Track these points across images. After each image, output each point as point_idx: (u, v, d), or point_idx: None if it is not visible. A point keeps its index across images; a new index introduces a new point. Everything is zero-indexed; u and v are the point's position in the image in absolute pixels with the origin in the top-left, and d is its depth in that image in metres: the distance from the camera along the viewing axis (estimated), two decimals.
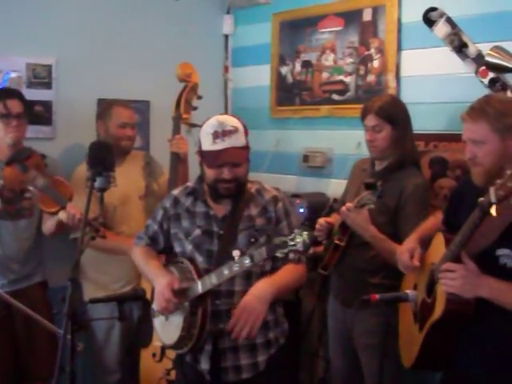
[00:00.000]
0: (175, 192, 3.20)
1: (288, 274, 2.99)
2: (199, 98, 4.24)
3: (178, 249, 3.11)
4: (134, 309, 4.19)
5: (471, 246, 2.57)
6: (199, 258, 2.99)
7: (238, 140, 2.91)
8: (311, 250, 3.75)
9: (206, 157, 2.95)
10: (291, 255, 2.71)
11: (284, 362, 3.15)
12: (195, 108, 4.21)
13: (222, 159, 2.88)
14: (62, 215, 3.73)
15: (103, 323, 4.14)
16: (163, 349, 3.91)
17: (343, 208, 3.42)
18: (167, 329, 3.06)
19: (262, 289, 2.87)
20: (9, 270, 3.92)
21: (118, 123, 4.18)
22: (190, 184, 3.17)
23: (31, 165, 3.83)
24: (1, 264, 3.91)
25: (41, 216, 4.02)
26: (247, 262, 2.73)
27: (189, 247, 3.04)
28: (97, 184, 2.89)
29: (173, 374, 3.77)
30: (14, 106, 3.82)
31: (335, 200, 4.19)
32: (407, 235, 3.29)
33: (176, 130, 4.17)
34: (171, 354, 3.73)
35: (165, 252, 3.25)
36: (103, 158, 2.96)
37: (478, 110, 2.67)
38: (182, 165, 4.11)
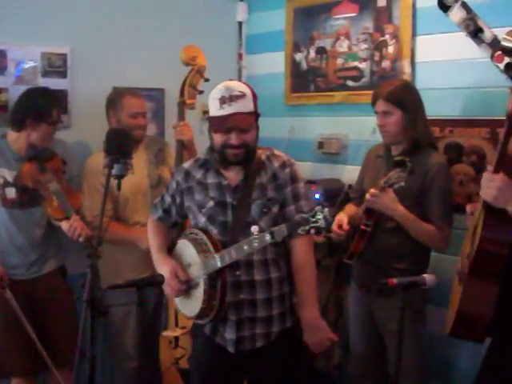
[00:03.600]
0: (186, 165, 3.20)
1: (314, 284, 3.10)
2: (206, 80, 4.17)
3: (192, 221, 3.12)
4: (150, 296, 4.21)
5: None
6: (214, 230, 3.00)
7: (245, 105, 2.90)
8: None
9: (213, 122, 2.95)
10: (312, 231, 2.68)
11: (297, 337, 3.15)
12: (201, 92, 4.15)
13: (229, 124, 2.88)
14: (64, 225, 3.76)
15: (120, 310, 4.15)
16: (177, 337, 3.94)
17: (367, 195, 3.41)
18: (187, 302, 3.09)
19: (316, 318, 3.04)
20: (27, 257, 3.93)
21: (130, 113, 4.16)
22: (201, 156, 3.17)
23: (50, 167, 3.85)
24: (19, 252, 3.92)
25: None
26: (268, 238, 2.73)
27: (202, 219, 3.04)
28: (114, 171, 2.91)
29: (181, 362, 3.83)
30: (60, 113, 3.93)
31: (350, 186, 4.19)
32: (434, 215, 3.30)
33: (181, 117, 4.15)
34: (183, 342, 3.80)
35: (177, 224, 3.29)
36: (120, 145, 2.98)
37: None
38: (187, 151, 4.08)
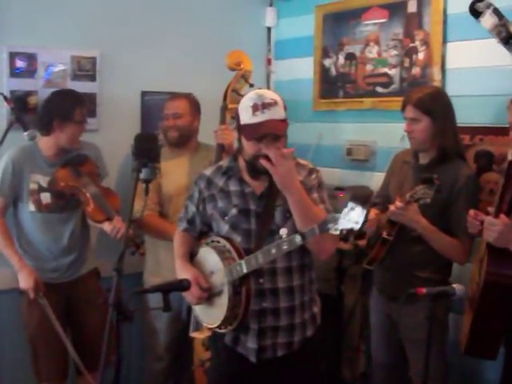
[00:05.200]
0: (208, 172, 3.16)
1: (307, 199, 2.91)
2: (251, 85, 4.14)
3: (215, 229, 3.10)
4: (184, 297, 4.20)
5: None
6: (237, 238, 2.96)
7: (277, 112, 2.87)
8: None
9: (246, 130, 2.91)
10: (344, 231, 2.62)
11: (318, 346, 3.15)
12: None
13: (263, 131, 2.84)
14: (107, 227, 3.83)
15: (151, 311, 4.22)
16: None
17: (392, 207, 3.38)
18: (210, 310, 3.06)
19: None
20: (63, 261, 3.96)
21: (163, 116, 4.27)
22: (224, 163, 3.14)
23: (85, 171, 3.92)
24: (55, 256, 3.95)
25: None
26: (298, 240, 2.69)
27: (225, 227, 3.01)
28: (142, 175, 2.91)
29: (207, 364, 3.79)
30: (85, 112, 3.96)
31: None
32: (459, 228, 3.29)
33: (222, 121, 4.14)
34: None
35: (203, 234, 3.23)
36: (148, 149, 2.97)
37: None
38: (227, 155, 4.07)
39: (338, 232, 2.62)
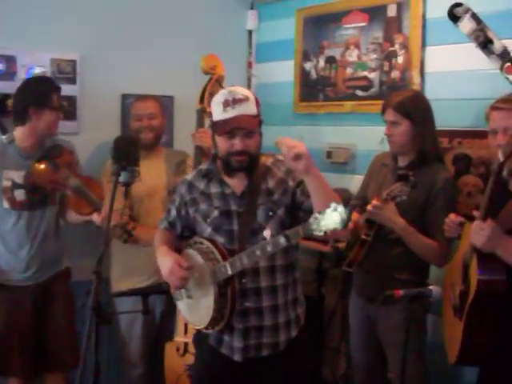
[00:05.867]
0: (189, 177, 3.17)
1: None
2: None
3: (198, 231, 3.09)
4: (157, 303, 4.21)
5: (501, 225, 2.85)
6: (220, 239, 2.96)
7: (248, 108, 2.88)
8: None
9: (217, 126, 2.92)
10: (329, 233, 2.59)
11: (303, 347, 3.17)
12: None
13: (233, 125, 2.85)
14: (96, 218, 3.77)
15: (126, 317, 4.16)
16: (186, 344, 3.93)
17: (369, 207, 3.40)
18: (196, 311, 3.05)
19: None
20: (35, 260, 3.88)
21: (134, 116, 4.24)
22: (204, 166, 3.15)
23: (63, 163, 3.83)
24: (27, 255, 3.86)
25: (62, 202, 4.00)
26: (282, 241, 2.67)
27: (208, 230, 3.01)
28: (121, 178, 2.91)
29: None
30: (60, 98, 3.87)
31: None
32: (437, 230, 3.30)
33: (200, 124, 4.14)
34: (193, 349, 3.76)
35: (183, 236, 3.22)
36: (128, 152, 2.98)
37: None
38: (206, 158, 4.07)
39: (321, 233, 2.60)
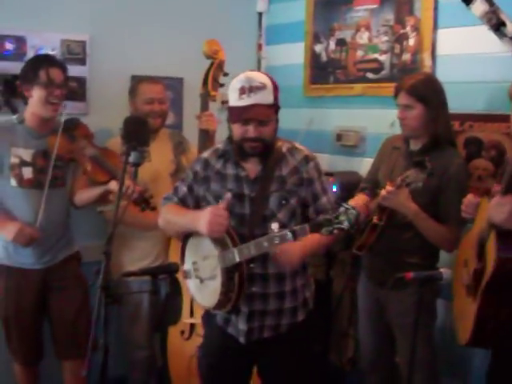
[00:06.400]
0: (205, 155, 3.17)
1: (315, 241, 2.96)
2: (225, 74, 4.18)
3: None
4: (162, 285, 4.20)
5: None
6: (231, 222, 2.94)
7: (264, 97, 2.87)
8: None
9: (232, 112, 2.93)
10: (335, 232, 2.66)
11: (308, 330, 3.18)
12: (222, 85, 4.16)
13: (247, 115, 2.86)
14: (113, 185, 3.72)
15: (132, 299, 4.18)
16: (192, 326, 3.94)
17: (383, 192, 3.37)
18: (204, 292, 3.07)
19: (295, 246, 2.86)
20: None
21: (145, 99, 4.18)
22: (220, 146, 3.14)
23: (79, 134, 3.84)
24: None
25: (72, 186, 3.98)
26: (289, 236, 2.70)
27: None
28: (131, 159, 2.90)
29: None
30: (57, 74, 3.75)
31: None
32: (449, 216, 3.28)
33: (204, 107, 4.15)
34: (200, 331, 3.77)
35: None
36: (137, 132, 2.97)
37: None
38: (211, 142, 4.07)
39: (329, 233, 2.67)
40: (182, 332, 4.03)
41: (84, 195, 3.94)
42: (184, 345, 4.01)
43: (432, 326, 3.58)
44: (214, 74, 4.17)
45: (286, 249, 2.82)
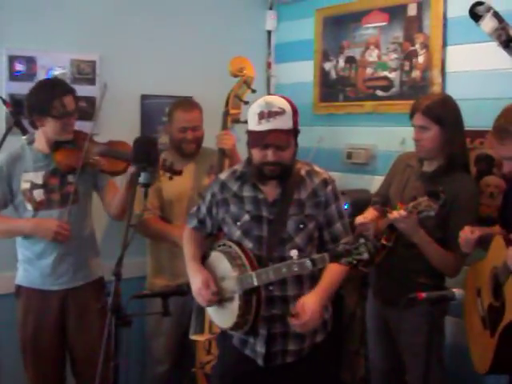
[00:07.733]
0: (223, 176, 3.19)
1: (334, 277, 2.99)
2: (253, 91, 4.16)
3: (226, 233, 3.12)
4: (188, 300, 4.16)
5: None
6: (248, 244, 2.97)
7: (283, 122, 2.88)
8: None
9: (251, 137, 2.94)
10: (354, 263, 2.67)
11: (328, 351, 3.17)
12: (246, 102, 4.08)
13: (265, 141, 2.87)
14: (132, 169, 3.46)
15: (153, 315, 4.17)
16: (210, 342, 3.92)
17: (395, 214, 3.32)
18: (221, 313, 3.08)
19: (314, 303, 2.87)
20: (59, 262, 3.75)
21: (178, 127, 4.20)
22: (239, 168, 3.15)
23: (79, 140, 3.77)
24: (49, 258, 3.74)
25: (104, 200, 3.92)
26: (308, 265, 2.71)
27: (237, 232, 3.03)
28: (141, 179, 2.91)
29: (207, 367, 3.84)
30: (69, 102, 3.71)
31: None
32: (454, 243, 3.26)
33: (224, 126, 4.15)
34: (214, 348, 3.76)
35: (212, 234, 3.28)
36: (147, 153, 2.97)
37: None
38: (229, 160, 4.06)
39: (348, 264, 2.68)
40: (204, 347, 4.00)
41: (115, 198, 3.82)
42: (207, 358, 3.97)
43: (442, 344, 3.55)
44: (237, 92, 4.16)
45: (304, 309, 2.83)
